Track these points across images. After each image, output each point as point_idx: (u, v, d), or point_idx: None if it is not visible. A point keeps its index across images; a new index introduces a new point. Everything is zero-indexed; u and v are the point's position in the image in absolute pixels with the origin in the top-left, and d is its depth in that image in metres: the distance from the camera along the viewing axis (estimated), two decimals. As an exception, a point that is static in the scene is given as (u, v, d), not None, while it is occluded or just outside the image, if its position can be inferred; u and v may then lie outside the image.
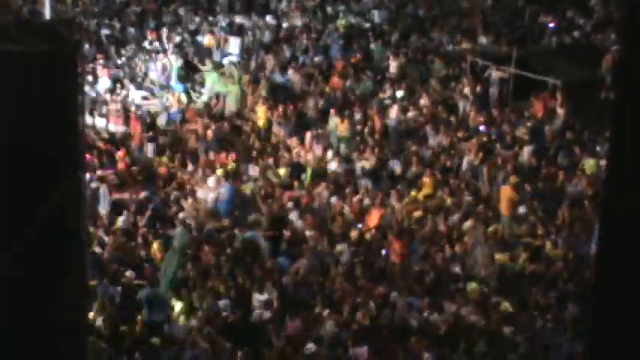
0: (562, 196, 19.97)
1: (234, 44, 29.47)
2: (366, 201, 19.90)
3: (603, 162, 19.74)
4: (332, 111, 24.31)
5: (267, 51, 29.53)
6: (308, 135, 23.27)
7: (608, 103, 22.26)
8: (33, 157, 8.82)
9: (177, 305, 15.84)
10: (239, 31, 30.59)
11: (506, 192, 19.34)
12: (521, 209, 19.34)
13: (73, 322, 9.78)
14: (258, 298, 15.83)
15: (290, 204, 19.85)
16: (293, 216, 19.33)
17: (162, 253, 17.41)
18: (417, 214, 19.40)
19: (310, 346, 14.30)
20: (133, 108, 25.06)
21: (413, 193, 20.39)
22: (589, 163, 20.66)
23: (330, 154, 22.57)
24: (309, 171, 21.66)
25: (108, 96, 25.92)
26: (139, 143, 23.19)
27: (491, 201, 20.00)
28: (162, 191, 20.79)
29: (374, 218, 19.03)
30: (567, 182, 20.38)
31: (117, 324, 15.10)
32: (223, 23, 31.35)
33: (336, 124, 23.63)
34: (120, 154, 22.14)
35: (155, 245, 17.80)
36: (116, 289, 16.07)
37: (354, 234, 18.58)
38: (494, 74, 25.65)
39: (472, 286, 16.35)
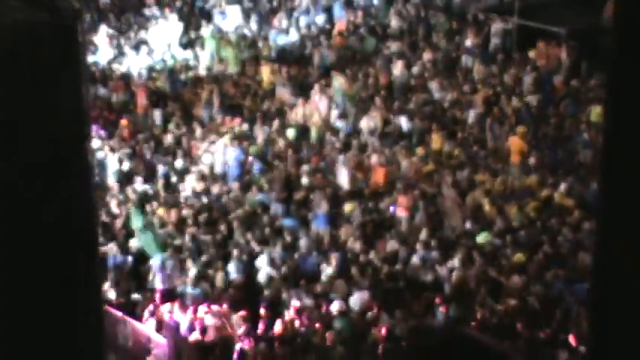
0: (570, 145, 19.95)
1: (234, 11, 29.24)
2: (374, 159, 19.86)
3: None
4: (336, 70, 24.21)
5: (269, 13, 29.36)
6: (313, 95, 23.20)
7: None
8: (37, 128, 8.78)
9: (192, 270, 15.90)
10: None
11: (515, 143, 19.31)
12: (531, 159, 19.35)
13: (88, 293, 9.81)
14: (266, 259, 15.92)
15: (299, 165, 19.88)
16: (302, 177, 19.35)
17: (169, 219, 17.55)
18: (426, 168, 19.37)
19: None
20: (136, 76, 25.00)
21: (420, 148, 20.33)
22: (595, 111, 20.55)
23: (335, 113, 22.51)
24: (315, 131, 21.63)
25: (109, 65, 25.87)
26: (144, 111, 23.14)
27: (498, 153, 19.98)
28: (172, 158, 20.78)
29: (379, 175, 19.05)
30: (574, 130, 20.34)
31: (129, 292, 15.20)
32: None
33: (341, 83, 23.53)
34: (124, 122, 22.11)
35: (161, 211, 17.88)
36: (127, 258, 16.16)
37: (363, 192, 18.63)
38: (497, 25, 25.46)
39: (482, 236, 16.39)
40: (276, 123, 22.09)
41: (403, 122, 21.66)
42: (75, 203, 8.94)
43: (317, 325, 14.28)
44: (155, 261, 15.68)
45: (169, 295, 15.20)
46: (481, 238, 16.41)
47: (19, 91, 8.54)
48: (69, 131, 9.08)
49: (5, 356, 8.92)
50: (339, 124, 21.99)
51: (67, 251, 9.02)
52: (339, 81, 23.59)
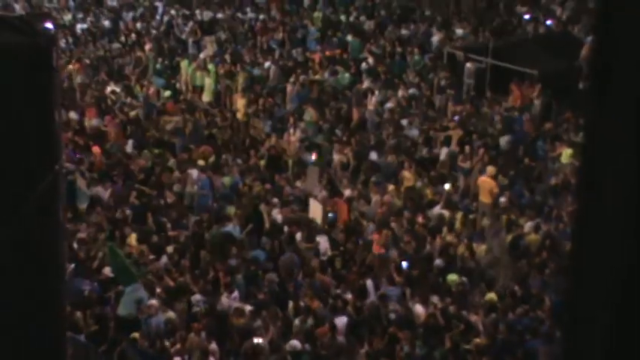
0: (540, 186, 20.07)
1: (209, 42, 29.33)
2: (347, 193, 19.84)
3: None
4: (308, 103, 24.25)
5: (244, 44, 29.47)
6: (288, 127, 23.22)
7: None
8: (8, 152, 8.73)
9: (153, 299, 15.71)
10: (212, 28, 30.46)
11: (486, 183, 19.30)
12: (501, 199, 19.42)
13: (52, 319, 9.71)
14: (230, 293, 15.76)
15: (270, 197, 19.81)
16: (273, 209, 19.27)
17: (139, 246, 17.36)
18: (397, 205, 19.37)
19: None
20: (109, 102, 24.90)
21: (392, 185, 20.35)
22: (566, 153, 20.73)
23: (306, 146, 22.51)
24: (290, 163, 21.62)
25: (83, 90, 25.79)
26: (116, 139, 22.99)
27: (470, 191, 20.06)
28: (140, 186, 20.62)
29: (342, 211, 19.02)
30: (544, 171, 20.48)
31: (95, 319, 15.01)
32: (200, 17, 31.25)
33: (312, 117, 23.55)
34: (95, 148, 21.96)
35: (132, 239, 17.74)
36: (94, 285, 15.98)
37: (332, 226, 18.61)
38: (470, 65, 25.67)
39: (452, 277, 16.35)
40: (250, 154, 22.07)
41: (375, 157, 21.72)
42: (43, 226, 8.87)
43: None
44: (125, 289, 15.48)
45: (134, 324, 15.03)
46: (451, 278, 16.31)
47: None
48: (40, 155, 9.04)
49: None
50: (309, 157, 21.98)
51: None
52: (310, 114, 23.62)
